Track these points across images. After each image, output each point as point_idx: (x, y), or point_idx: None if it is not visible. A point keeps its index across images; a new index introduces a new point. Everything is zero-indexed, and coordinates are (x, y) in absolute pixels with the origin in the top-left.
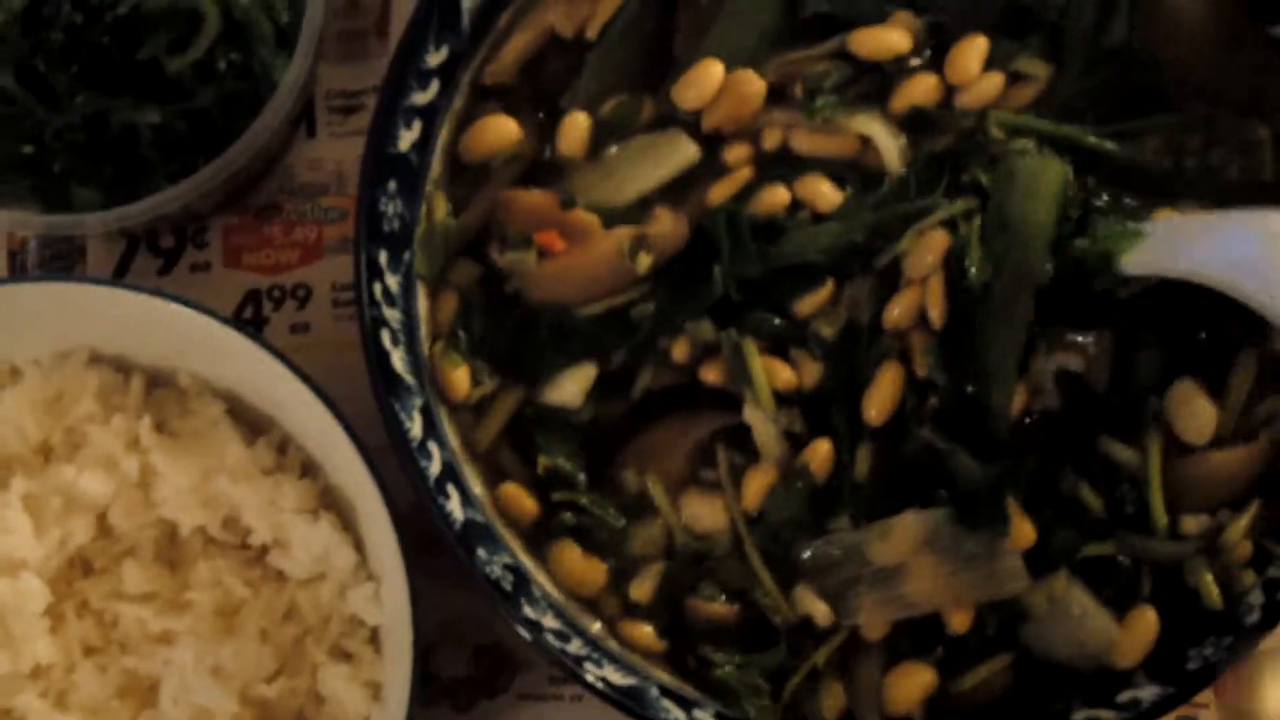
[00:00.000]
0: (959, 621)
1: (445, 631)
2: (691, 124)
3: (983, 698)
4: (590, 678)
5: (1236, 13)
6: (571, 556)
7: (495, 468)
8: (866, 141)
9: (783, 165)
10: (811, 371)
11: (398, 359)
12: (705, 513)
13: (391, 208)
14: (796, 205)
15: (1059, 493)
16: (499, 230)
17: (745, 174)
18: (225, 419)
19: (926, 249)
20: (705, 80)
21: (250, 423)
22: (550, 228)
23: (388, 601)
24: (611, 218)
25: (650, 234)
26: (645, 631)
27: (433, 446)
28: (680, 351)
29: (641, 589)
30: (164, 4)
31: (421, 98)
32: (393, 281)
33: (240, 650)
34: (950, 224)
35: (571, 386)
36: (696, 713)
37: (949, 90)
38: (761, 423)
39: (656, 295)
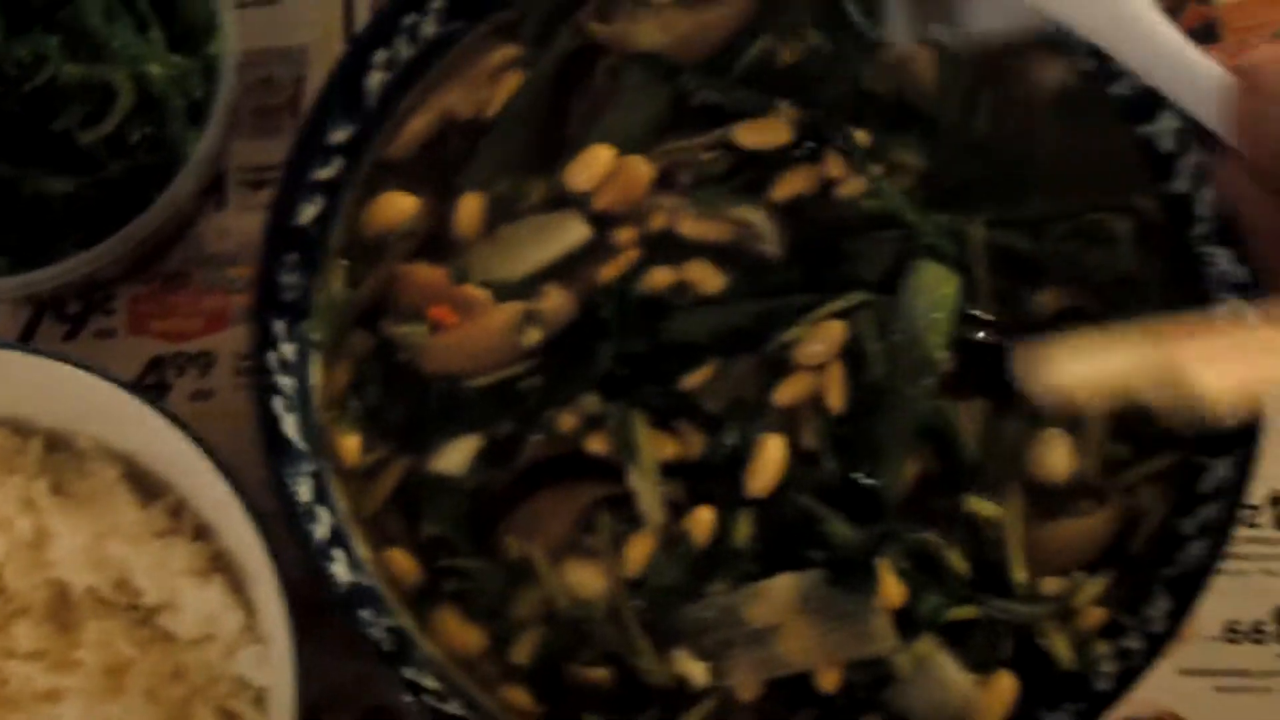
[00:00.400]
0: (828, 681)
1: (333, 694)
2: (583, 205)
3: None
4: None
5: (1102, 111)
6: (453, 621)
7: (382, 532)
8: (750, 228)
9: (670, 247)
10: (696, 443)
11: (290, 426)
12: (586, 579)
13: (290, 278)
14: (684, 285)
15: (928, 555)
16: (393, 303)
17: (633, 255)
18: (122, 482)
19: (818, 339)
20: (595, 164)
21: (147, 486)
22: (443, 302)
23: (274, 663)
24: (503, 293)
25: (540, 309)
26: (523, 695)
27: (321, 511)
28: (567, 423)
29: (521, 653)
30: (78, 77)
31: (324, 173)
32: (288, 350)
33: (128, 709)
34: (844, 314)
35: (456, 456)
36: None
37: (829, 181)
38: (645, 491)
39: (545, 369)
